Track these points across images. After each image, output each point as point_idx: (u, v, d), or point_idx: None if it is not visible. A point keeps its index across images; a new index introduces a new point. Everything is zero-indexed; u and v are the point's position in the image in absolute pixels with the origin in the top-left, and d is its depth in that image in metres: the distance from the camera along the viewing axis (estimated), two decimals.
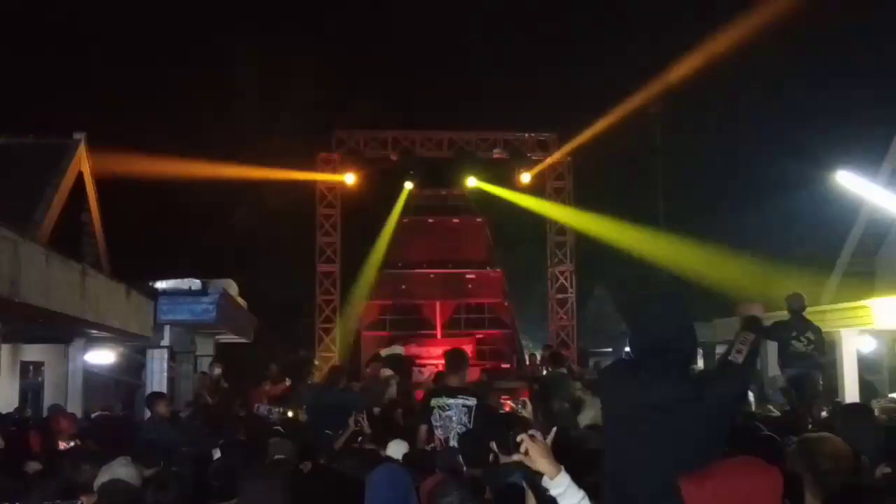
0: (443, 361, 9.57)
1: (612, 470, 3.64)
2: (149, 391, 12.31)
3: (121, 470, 5.05)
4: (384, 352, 18.28)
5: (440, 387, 8.12)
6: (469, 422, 7.23)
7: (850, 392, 14.85)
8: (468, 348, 21.97)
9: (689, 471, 3.03)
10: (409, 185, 23.90)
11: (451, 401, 7.32)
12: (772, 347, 12.94)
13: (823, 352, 11.74)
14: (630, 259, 22.64)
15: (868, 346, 16.12)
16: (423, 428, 7.37)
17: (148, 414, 9.78)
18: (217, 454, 6.92)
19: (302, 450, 6.86)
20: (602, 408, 3.92)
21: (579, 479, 4.21)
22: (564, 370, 14.16)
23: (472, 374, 15.71)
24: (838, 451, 3.81)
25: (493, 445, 5.04)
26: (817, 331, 11.55)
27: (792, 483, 3.48)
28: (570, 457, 3.35)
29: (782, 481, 3.00)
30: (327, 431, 8.78)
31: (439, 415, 7.29)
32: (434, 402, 7.40)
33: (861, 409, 6.40)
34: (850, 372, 15.31)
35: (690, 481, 2.99)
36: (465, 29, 28.93)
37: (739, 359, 3.64)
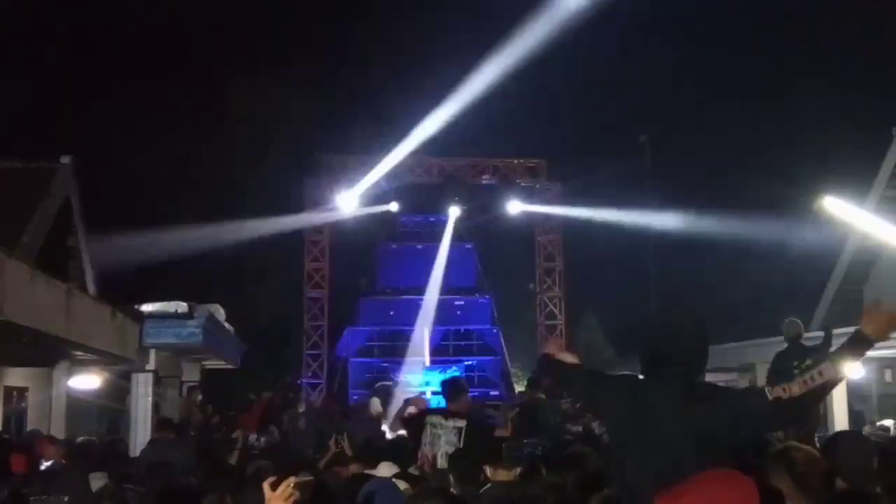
0: (433, 389, 9.73)
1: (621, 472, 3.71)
2: (133, 416, 12.23)
3: (96, 483, 5.16)
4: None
5: (438, 409, 8.22)
6: (459, 442, 7.35)
7: (839, 420, 14.82)
8: (456, 375, 21.89)
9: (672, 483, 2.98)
10: (394, 207, 23.75)
11: (445, 422, 7.53)
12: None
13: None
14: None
15: (857, 373, 16.10)
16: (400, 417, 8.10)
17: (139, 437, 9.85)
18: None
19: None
20: (608, 415, 4.00)
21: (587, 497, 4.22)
22: (542, 395, 14.12)
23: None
24: (811, 455, 3.84)
25: None
26: (817, 356, 11.54)
27: (769, 497, 3.40)
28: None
29: (758, 495, 2.93)
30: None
31: (431, 431, 7.47)
32: (430, 419, 7.60)
33: (856, 435, 6.38)
34: (840, 399, 15.28)
35: (666, 496, 2.94)
36: (455, 54, 29.03)
37: (793, 390, 3.46)
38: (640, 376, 3.88)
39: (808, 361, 11.38)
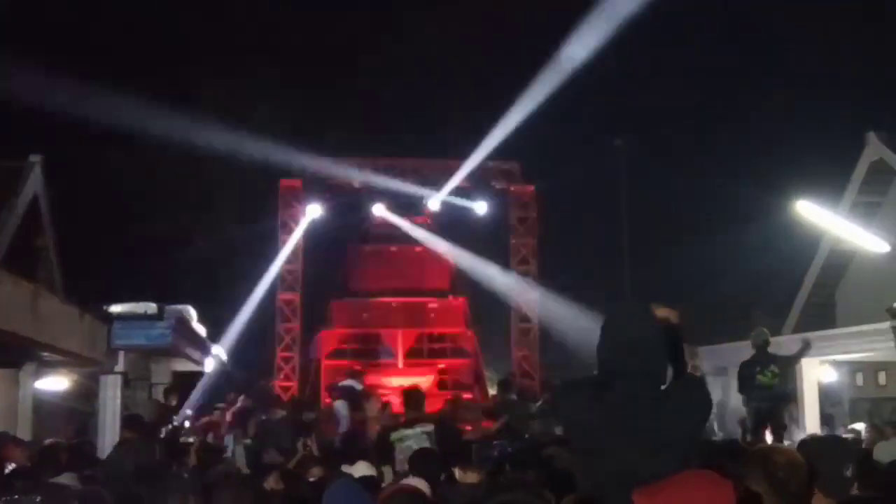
0: (403, 392, 9.77)
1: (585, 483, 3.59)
2: (102, 419, 12.05)
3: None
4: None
5: (397, 423, 8.30)
6: (432, 445, 7.29)
7: (811, 424, 14.92)
8: (430, 378, 21.77)
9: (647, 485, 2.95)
10: (377, 211, 23.65)
11: (409, 431, 7.55)
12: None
13: (786, 383, 12.06)
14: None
15: (828, 376, 16.21)
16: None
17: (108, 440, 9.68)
18: None
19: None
20: (566, 423, 3.81)
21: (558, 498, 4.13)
22: (514, 396, 14.37)
23: (437, 403, 15.60)
24: (793, 460, 3.71)
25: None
26: (783, 363, 11.86)
27: (747, 500, 3.45)
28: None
29: (735, 495, 2.96)
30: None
31: (399, 447, 7.46)
32: (393, 436, 7.58)
33: (831, 439, 6.40)
34: (811, 402, 15.38)
35: (642, 494, 2.92)
36: (429, 56, 29.02)
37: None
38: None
39: (773, 368, 11.63)
